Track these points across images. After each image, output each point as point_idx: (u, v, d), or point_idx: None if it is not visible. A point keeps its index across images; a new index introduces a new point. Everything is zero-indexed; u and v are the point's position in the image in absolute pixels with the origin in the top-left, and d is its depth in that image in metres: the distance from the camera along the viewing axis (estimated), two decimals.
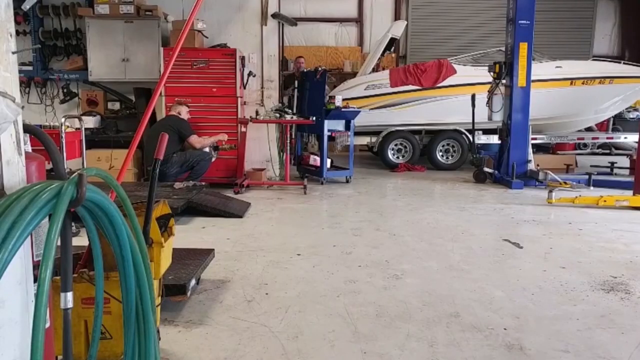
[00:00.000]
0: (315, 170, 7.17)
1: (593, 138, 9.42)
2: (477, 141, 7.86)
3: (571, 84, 8.55)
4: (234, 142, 6.58)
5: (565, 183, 6.53)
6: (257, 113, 6.73)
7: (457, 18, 12.10)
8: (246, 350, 2.26)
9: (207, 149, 6.09)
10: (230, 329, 2.47)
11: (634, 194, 5.61)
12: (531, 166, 7.08)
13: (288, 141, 6.79)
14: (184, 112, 6.19)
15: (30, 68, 7.15)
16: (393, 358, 2.21)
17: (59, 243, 1.13)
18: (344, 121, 7.22)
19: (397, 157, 8.78)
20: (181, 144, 6.01)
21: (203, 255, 3.07)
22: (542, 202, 5.75)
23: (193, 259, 2.97)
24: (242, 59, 6.89)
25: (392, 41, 9.24)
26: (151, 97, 2.32)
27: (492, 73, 7.30)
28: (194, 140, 5.97)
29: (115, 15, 6.71)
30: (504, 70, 7.13)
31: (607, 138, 9.47)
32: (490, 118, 7.62)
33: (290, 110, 6.95)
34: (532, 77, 7.15)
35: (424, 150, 8.79)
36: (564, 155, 9.15)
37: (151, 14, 6.77)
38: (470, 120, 7.38)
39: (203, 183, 5.57)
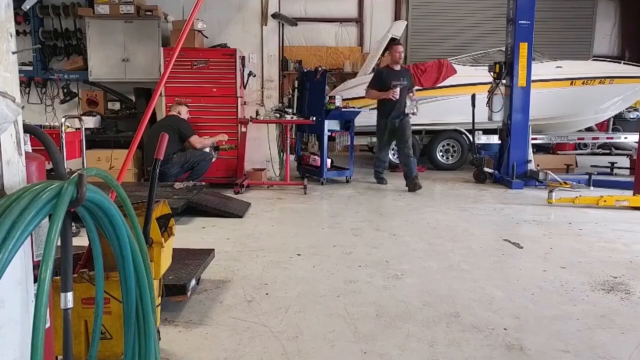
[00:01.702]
0: (315, 170, 7.17)
1: (593, 138, 9.42)
2: (477, 141, 7.85)
3: (571, 84, 8.55)
4: (234, 142, 6.58)
5: (565, 183, 6.53)
6: (257, 113, 6.73)
7: (457, 17, 12.10)
8: (246, 350, 2.26)
9: (207, 149, 6.09)
10: (230, 329, 2.47)
11: (634, 194, 5.61)
12: (531, 166, 7.08)
13: (287, 141, 6.80)
14: (183, 112, 6.18)
15: (30, 68, 7.15)
16: (393, 358, 2.21)
17: (59, 243, 1.13)
18: (344, 121, 7.21)
19: (397, 157, 8.77)
20: (181, 144, 6.01)
21: (203, 255, 3.08)
22: (542, 202, 5.75)
23: (193, 259, 2.97)
24: (242, 59, 6.89)
25: (392, 41, 9.23)
26: (151, 97, 2.32)
27: (492, 73, 7.29)
28: (195, 140, 5.96)
29: (115, 15, 6.71)
30: (504, 70, 7.13)
31: (607, 138, 9.46)
32: (490, 118, 7.62)
33: (290, 110, 6.95)
34: (532, 77, 7.14)
35: (424, 150, 8.79)
36: (564, 155, 9.15)
37: (151, 14, 6.77)
38: (470, 120, 7.38)
39: (203, 183, 5.57)
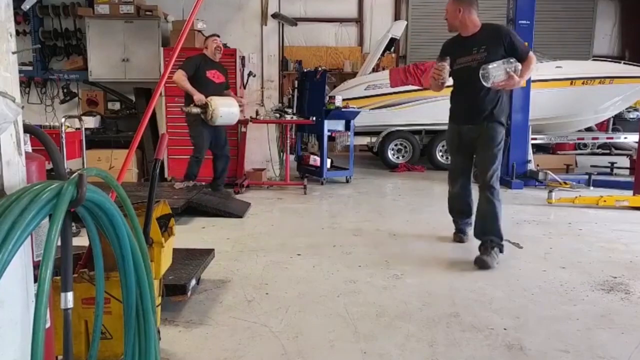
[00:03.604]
0: (315, 170, 7.17)
1: (593, 138, 9.42)
2: None
3: (571, 84, 8.55)
4: (234, 142, 6.58)
5: (565, 183, 6.53)
6: (257, 113, 6.73)
7: None
8: (246, 350, 2.26)
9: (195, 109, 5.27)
10: (230, 329, 2.47)
11: (634, 194, 5.61)
12: (531, 166, 7.08)
13: (287, 141, 6.80)
14: (209, 45, 5.58)
15: (30, 68, 7.15)
16: (393, 358, 2.21)
17: (59, 243, 1.13)
18: (344, 121, 7.22)
19: (397, 157, 8.78)
20: (194, 86, 5.34)
21: (203, 255, 3.08)
22: (542, 202, 5.75)
23: (193, 259, 2.98)
24: (242, 59, 6.90)
25: (392, 41, 9.25)
26: (151, 97, 2.32)
27: None
28: (175, 76, 5.27)
29: (115, 15, 6.71)
30: None
31: (607, 138, 9.46)
32: None
33: (290, 110, 6.96)
34: (532, 77, 7.14)
35: (424, 150, 8.79)
36: (564, 155, 9.14)
37: (151, 14, 6.77)
38: None
39: (203, 183, 5.57)
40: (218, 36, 5.73)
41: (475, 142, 3.64)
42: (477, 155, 3.71)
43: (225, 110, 5.29)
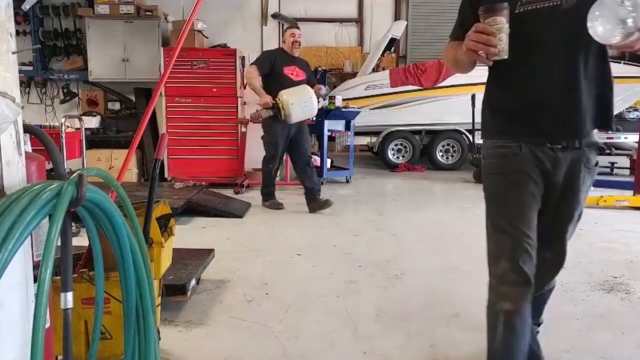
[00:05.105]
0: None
1: None
2: (477, 141, 7.85)
3: None
4: (234, 142, 6.59)
5: None
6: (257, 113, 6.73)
7: None
8: (246, 350, 2.26)
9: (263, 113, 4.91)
10: (230, 329, 2.47)
11: (634, 194, 5.61)
12: None
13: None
14: (287, 39, 5.11)
15: (31, 68, 7.16)
16: (393, 358, 2.21)
17: (59, 243, 1.13)
18: (344, 121, 7.22)
19: (397, 157, 8.78)
20: (269, 84, 4.93)
21: (203, 255, 3.08)
22: None
23: (193, 259, 2.97)
24: (242, 59, 6.90)
25: (392, 41, 9.25)
26: (151, 97, 2.32)
27: None
28: (246, 71, 4.92)
29: (115, 15, 6.72)
30: None
31: (607, 138, 9.46)
32: None
33: None
34: None
35: (424, 150, 8.79)
36: None
37: (151, 14, 6.78)
38: (470, 120, 7.38)
39: (203, 183, 5.57)
40: (297, 27, 5.07)
41: (555, 187, 1.70)
42: (552, 220, 1.75)
43: (297, 100, 4.72)
